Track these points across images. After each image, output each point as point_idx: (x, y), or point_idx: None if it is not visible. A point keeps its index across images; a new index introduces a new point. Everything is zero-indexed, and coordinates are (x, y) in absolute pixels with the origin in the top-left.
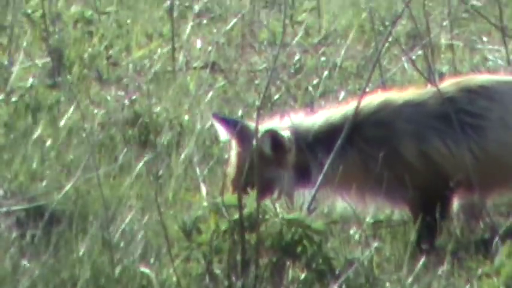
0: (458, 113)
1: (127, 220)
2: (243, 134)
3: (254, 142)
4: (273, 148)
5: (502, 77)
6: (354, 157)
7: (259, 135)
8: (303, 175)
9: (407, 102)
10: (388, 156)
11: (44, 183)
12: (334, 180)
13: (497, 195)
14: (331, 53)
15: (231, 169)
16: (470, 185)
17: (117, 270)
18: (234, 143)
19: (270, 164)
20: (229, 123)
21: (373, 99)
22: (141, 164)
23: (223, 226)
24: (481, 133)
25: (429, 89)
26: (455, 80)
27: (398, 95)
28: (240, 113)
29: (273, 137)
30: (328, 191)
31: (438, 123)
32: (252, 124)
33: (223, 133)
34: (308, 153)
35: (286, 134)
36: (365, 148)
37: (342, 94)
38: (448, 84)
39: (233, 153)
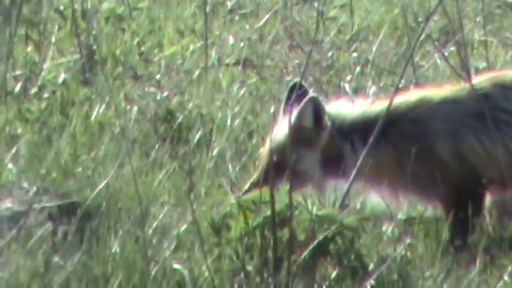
0: (494, 110)
1: (160, 216)
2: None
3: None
4: (314, 119)
5: None
6: (388, 152)
7: (302, 104)
8: (334, 164)
9: (443, 100)
10: (423, 153)
11: (77, 179)
12: (367, 174)
13: None
14: (363, 49)
15: (267, 147)
16: (503, 182)
17: (150, 267)
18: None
19: (304, 141)
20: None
21: (410, 96)
22: (165, 152)
23: (254, 222)
24: None
25: (465, 86)
26: (489, 75)
27: (434, 92)
28: (272, 109)
29: (316, 106)
30: (361, 186)
31: (473, 121)
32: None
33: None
34: (343, 141)
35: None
36: (400, 143)
37: (374, 90)
38: (482, 80)
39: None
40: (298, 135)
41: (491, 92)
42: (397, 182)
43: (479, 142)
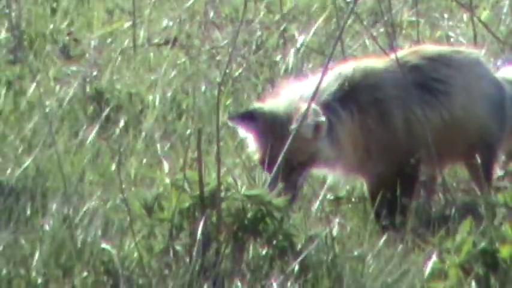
0: (428, 80)
1: (88, 196)
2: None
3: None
4: (315, 130)
5: (450, 47)
6: (350, 121)
7: (298, 120)
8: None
9: (386, 70)
10: (383, 117)
11: (5, 159)
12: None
13: (456, 163)
14: (292, 29)
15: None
16: (430, 157)
17: (78, 246)
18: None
19: (310, 140)
20: (246, 117)
21: (355, 65)
22: (94, 132)
23: (186, 203)
24: (449, 98)
25: (393, 59)
26: (411, 49)
27: (373, 63)
28: (203, 89)
29: (317, 124)
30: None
31: (415, 90)
32: (265, 106)
33: (242, 131)
34: (330, 115)
35: (321, 114)
36: (361, 110)
37: (304, 70)
38: (406, 53)
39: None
40: (304, 139)
41: (419, 64)
42: (361, 151)
43: (422, 110)
